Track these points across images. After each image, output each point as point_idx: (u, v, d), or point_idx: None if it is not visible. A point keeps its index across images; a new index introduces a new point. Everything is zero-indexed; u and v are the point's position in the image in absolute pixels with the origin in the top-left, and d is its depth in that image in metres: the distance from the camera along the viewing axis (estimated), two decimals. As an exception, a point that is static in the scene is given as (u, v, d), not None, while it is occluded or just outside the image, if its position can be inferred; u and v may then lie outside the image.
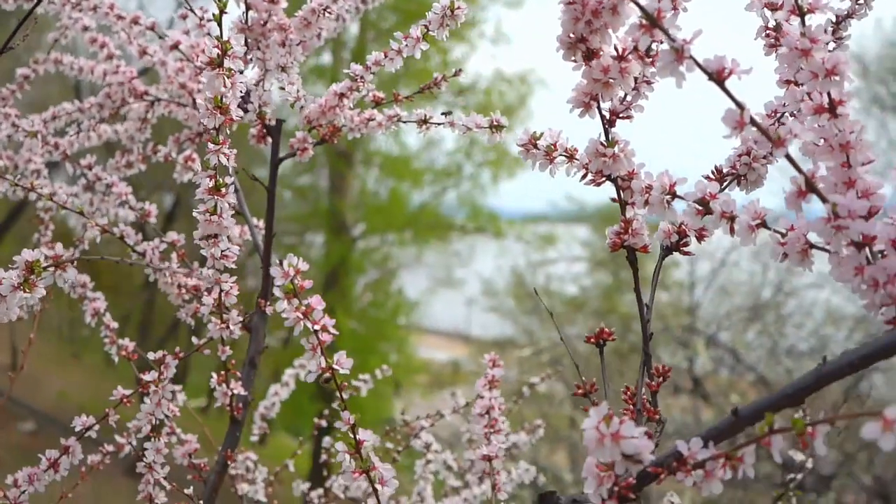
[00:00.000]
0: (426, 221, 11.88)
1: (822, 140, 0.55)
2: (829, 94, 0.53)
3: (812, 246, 0.54)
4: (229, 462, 0.98)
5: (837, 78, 0.53)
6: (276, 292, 0.61)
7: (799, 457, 1.09)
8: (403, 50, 0.89)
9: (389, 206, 11.75)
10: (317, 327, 0.62)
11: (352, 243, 11.44)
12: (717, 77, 0.50)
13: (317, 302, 0.63)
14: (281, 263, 0.61)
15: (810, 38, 0.53)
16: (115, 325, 1.09)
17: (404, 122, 0.97)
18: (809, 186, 0.52)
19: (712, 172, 0.69)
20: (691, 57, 0.50)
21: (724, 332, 6.46)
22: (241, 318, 0.90)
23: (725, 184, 0.69)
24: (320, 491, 1.44)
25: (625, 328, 8.02)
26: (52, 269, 0.66)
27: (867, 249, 0.52)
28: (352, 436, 0.65)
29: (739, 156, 0.69)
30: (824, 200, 0.51)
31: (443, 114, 0.95)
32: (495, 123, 0.84)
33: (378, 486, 0.64)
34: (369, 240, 12.12)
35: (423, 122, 0.95)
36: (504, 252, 11.62)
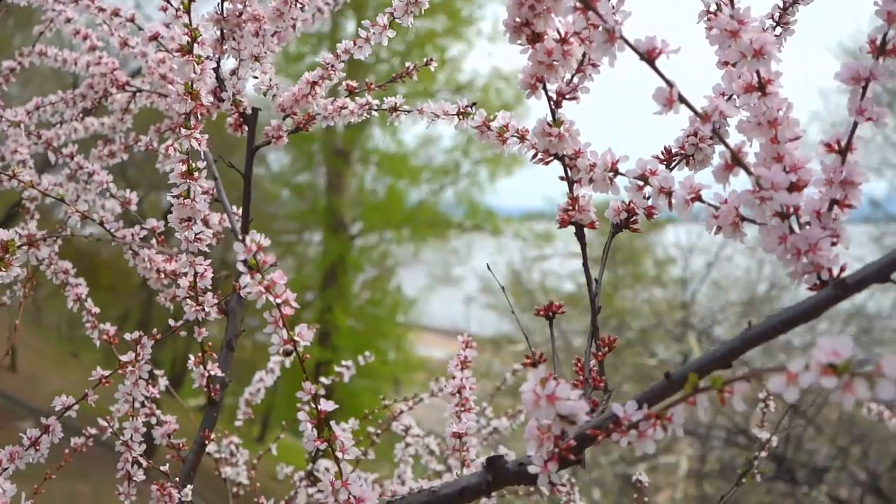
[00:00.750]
0: (424, 219, 11.90)
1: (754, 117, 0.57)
2: (758, 73, 0.56)
3: (743, 218, 0.57)
4: (206, 442, 1.01)
5: (765, 58, 0.55)
6: (240, 267, 0.64)
7: (763, 435, 1.12)
8: (371, 37, 0.92)
9: (387, 203, 11.78)
10: (279, 300, 0.65)
11: (350, 241, 11.47)
12: (648, 57, 0.53)
13: (279, 276, 0.65)
14: (244, 240, 0.64)
15: (738, 20, 0.55)
16: (96, 309, 1.12)
17: (376, 110, 0.99)
18: (735, 160, 0.55)
19: (661, 153, 0.72)
20: (622, 37, 0.53)
21: (718, 327, 6.49)
22: (216, 301, 0.93)
23: (674, 163, 0.72)
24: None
25: (621, 324, 8.05)
26: (25, 247, 0.69)
27: (792, 220, 0.55)
28: (314, 406, 0.67)
29: (687, 136, 0.71)
30: (750, 174, 0.54)
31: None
32: (462, 111, 0.87)
33: (339, 455, 0.67)
34: (367, 238, 12.15)
35: (394, 109, 0.98)
36: (501, 249, 11.64)
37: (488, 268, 0.95)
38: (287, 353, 0.66)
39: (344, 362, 1.39)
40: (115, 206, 1.28)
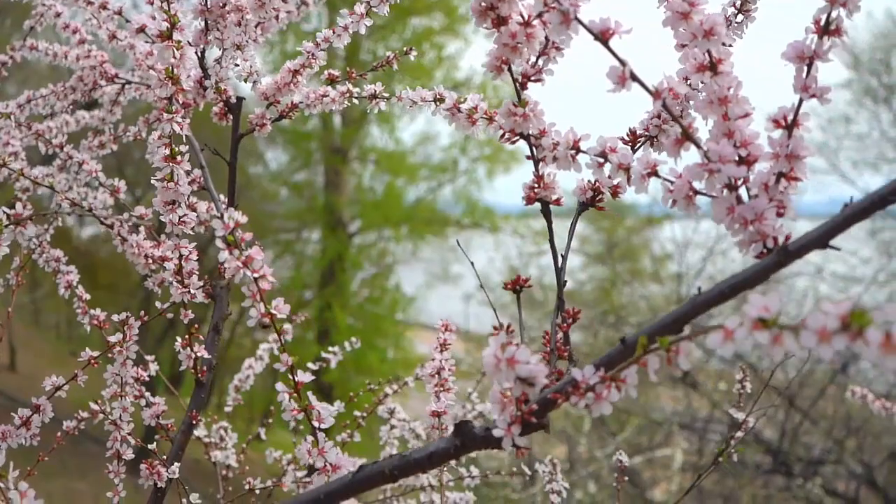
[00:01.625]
0: (422, 217, 11.93)
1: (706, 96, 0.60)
2: (709, 52, 0.59)
3: (696, 192, 0.60)
4: (194, 422, 1.04)
5: (715, 38, 0.58)
6: (218, 243, 0.67)
7: (739, 415, 1.14)
8: (349, 26, 0.95)
9: (385, 201, 11.80)
10: (256, 275, 0.67)
11: (348, 239, 11.49)
12: (602, 37, 0.56)
13: (256, 252, 0.68)
14: (222, 217, 0.66)
15: (689, 3, 0.58)
16: (87, 296, 1.14)
17: (356, 97, 1.02)
18: (686, 135, 0.57)
19: (626, 134, 0.74)
20: (577, 19, 0.55)
21: (713, 320, 6.53)
22: (202, 283, 0.96)
23: (639, 144, 0.74)
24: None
25: (619, 319, 8.08)
26: (12, 226, 0.72)
27: (742, 192, 0.57)
28: (291, 377, 0.70)
29: (651, 118, 0.74)
30: (699, 148, 0.57)
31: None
32: (438, 97, 0.90)
33: (316, 423, 0.70)
34: (366, 236, 12.17)
35: (374, 97, 1.00)
36: (500, 247, 11.65)
37: (473, 265, 0.97)
38: (264, 326, 0.69)
39: (331, 348, 1.41)
40: (107, 199, 1.31)
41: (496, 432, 0.60)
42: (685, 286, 6.87)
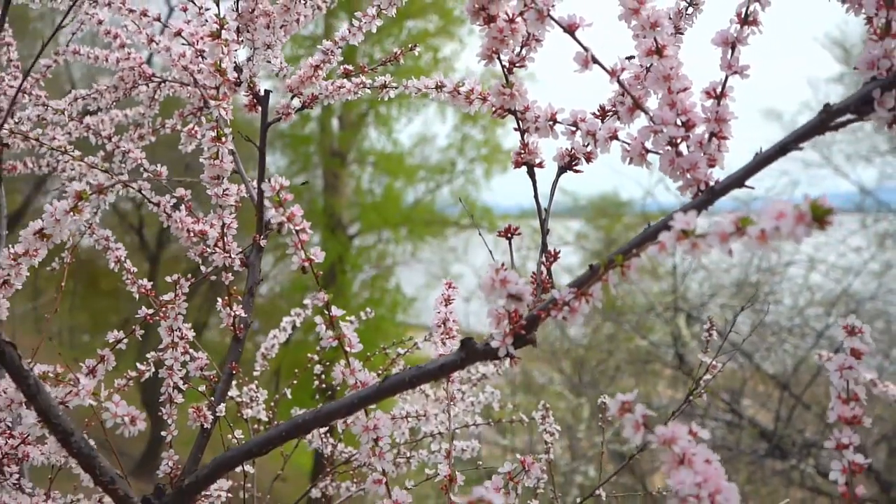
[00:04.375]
0: (421, 218, 12.08)
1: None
2: (655, 40, 0.75)
3: (647, 150, 0.76)
4: (234, 372, 1.19)
5: (660, 28, 0.74)
6: (266, 202, 0.82)
7: (705, 360, 1.30)
8: (363, 26, 1.11)
9: (384, 203, 11.95)
10: (298, 228, 0.83)
11: (348, 241, 11.64)
12: (570, 29, 0.72)
13: (297, 210, 0.84)
14: (270, 181, 0.82)
15: (638, 1, 0.74)
16: (134, 269, 1.30)
17: (368, 87, 1.18)
18: (636, 105, 0.73)
19: (597, 109, 0.90)
20: (549, 16, 0.71)
21: (707, 309, 6.69)
22: (240, 250, 1.12)
23: (607, 117, 0.90)
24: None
25: (618, 315, 8.23)
26: (95, 195, 0.88)
27: (681, 148, 0.73)
28: (326, 312, 0.86)
29: (617, 96, 0.90)
30: (646, 114, 0.73)
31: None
32: (440, 83, 1.05)
33: (347, 349, 0.86)
34: (365, 237, 12.32)
35: (384, 86, 1.16)
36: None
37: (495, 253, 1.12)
38: (304, 271, 0.85)
39: (348, 318, 1.56)
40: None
41: (494, 344, 0.75)
42: (680, 275, 7.03)
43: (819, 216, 0.49)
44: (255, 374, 1.63)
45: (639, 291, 8.72)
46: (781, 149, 0.67)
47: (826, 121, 0.66)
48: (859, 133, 9.31)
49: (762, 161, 0.68)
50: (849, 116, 0.66)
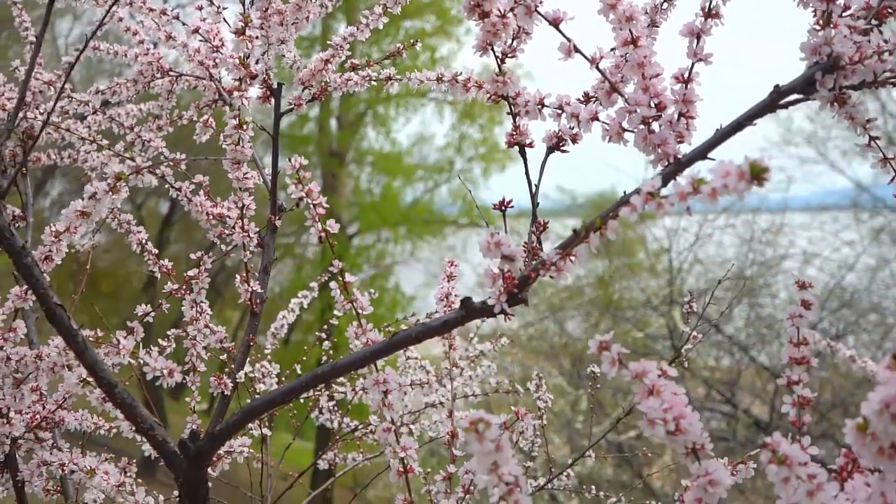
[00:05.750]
0: (419, 217, 12.18)
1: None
2: (630, 31, 0.85)
3: (623, 129, 0.86)
4: (251, 344, 1.29)
5: (634, 22, 0.84)
6: (287, 180, 0.92)
7: (683, 328, 1.39)
8: (370, 23, 1.21)
9: (383, 202, 12.05)
10: (315, 202, 0.93)
11: (347, 241, 11.73)
12: (554, 22, 0.82)
13: (314, 186, 0.94)
14: (290, 160, 0.92)
15: (615, -3, 0.84)
16: (156, 251, 1.40)
17: (374, 80, 1.28)
18: (613, 88, 0.83)
19: (582, 95, 1.00)
20: (536, 10, 0.81)
21: (703, 302, 6.80)
22: (258, 229, 1.22)
23: (591, 102, 1.00)
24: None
25: (617, 310, 8.34)
26: (133, 175, 0.98)
27: (653, 126, 0.83)
28: (341, 278, 0.96)
29: (599, 83, 1.00)
30: (622, 96, 0.83)
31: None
32: (440, 76, 1.15)
33: (359, 311, 0.96)
34: (364, 237, 12.42)
35: (389, 79, 1.27)
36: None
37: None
38: (321, 240, 0.95)
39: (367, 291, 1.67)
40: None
41: (490, 301, 0.85)
42: (675, 269, 7.14)
43: (756, 174, 0.59)
44: (266, 352, 1.73)
45: (637, 288, 8.83)
46: (738, 125, 0.77)
47: (776, 100, 0.76)
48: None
49: (721, 136, 0.78)
50: (796, 96, 0.76)
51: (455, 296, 1.28)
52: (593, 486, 1.64)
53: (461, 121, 11.98)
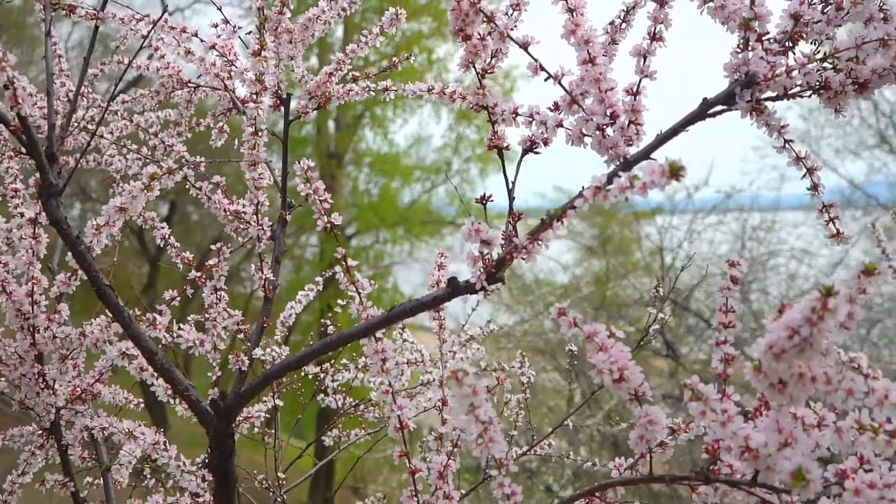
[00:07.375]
0: (417, 217, 12.33)
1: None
2: (588, 52, 1.01)
3: (583, 134, 1.02)
4: (265, 326, 1.45)
5: (591, 44, 1.00)
6: (297, 179, 1.08)
7: (651, 311, 1.55)
8: (369, 41, 1.37)
9: (381, 203, 12.19)
10: (321, 198, 1.09)
11: (346, 242, 11.88)
12: (523, 46, 0.98)
13: (320, 184, 1.10)
14: (299, 162, 1.08)
15: (574, 24, 1.00)
16: (178, 244, 1.56)
17: (373, 91, 1.44)
18: (573, 100, 1.00)
19: (552, 104, 1.16)
20: (509, 36, 0.98)
21: (698, 300, 6.98)
22: (270, 223, 1.38)
23: (560, 111, 1.16)
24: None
25: (611, 307, 8.50)
26: (165, 175, 1.14)
27: (607, 132, 1.00)
28: (344, 263, 1.12)
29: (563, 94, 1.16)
30: (580, 107, 0.99)
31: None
32: (431, 87, 1.31)
33: (360, 291, 1.12)
34: (363, 238, 12.57)
35: (386, 89, 1.43)
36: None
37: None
38: (326, 231, 1.11)
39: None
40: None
41: (472, 280, 1.01)
42: (666, 266, 7.31)
43: (674, 171, 0.75)
44: (275, 337, 1.89)
45: (631, 286, 9.00)
46: (673, 132, 0.93)
47: (705, 110, 0.92)
48: (847, 128, 9.57)
49: (660, 141, 0.94)
50: (722, 107, 0.92)
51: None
52: (578, 457, 1.78)
53: (458, 122, 12.14)
